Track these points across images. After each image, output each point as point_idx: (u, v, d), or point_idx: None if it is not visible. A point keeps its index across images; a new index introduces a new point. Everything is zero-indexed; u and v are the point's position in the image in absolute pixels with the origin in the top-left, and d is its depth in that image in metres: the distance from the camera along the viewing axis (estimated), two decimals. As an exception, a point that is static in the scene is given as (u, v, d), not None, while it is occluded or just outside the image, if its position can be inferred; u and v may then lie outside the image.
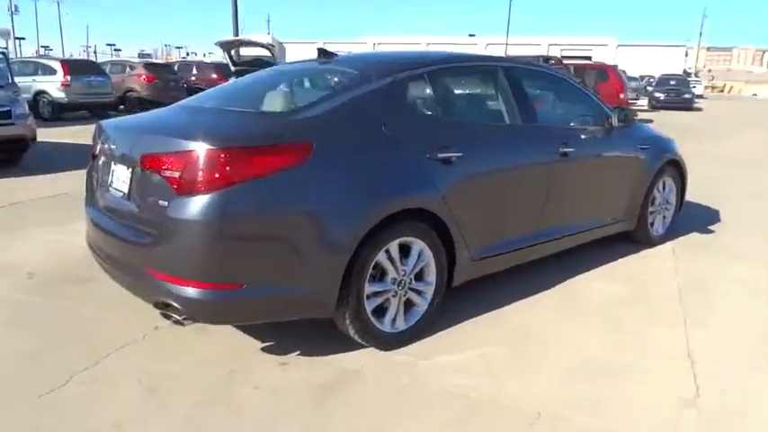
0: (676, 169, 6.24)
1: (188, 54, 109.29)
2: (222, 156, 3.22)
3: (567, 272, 5.24)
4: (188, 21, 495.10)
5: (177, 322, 3.41)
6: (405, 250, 3.81)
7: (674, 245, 6.20)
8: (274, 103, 3.99)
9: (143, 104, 19.43)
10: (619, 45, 66.18)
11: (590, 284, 5.01)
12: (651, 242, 6.10)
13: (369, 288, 3.66)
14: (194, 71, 25.76)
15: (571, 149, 4.85)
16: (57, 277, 4.91)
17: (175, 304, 3.29)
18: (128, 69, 21.89)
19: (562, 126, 5.19)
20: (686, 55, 73.77)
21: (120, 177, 3.69)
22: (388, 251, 3.70)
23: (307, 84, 5.09)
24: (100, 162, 4.01)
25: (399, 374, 3.55)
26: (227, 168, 3.21)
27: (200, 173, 3.22)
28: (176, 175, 3.27)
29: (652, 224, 6.11)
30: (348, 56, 4.87)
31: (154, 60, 36.11)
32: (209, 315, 3.37)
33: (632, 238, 6.04)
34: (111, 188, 3.78)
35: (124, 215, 3.61)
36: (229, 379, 3.47)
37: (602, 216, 5.43)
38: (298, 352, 3.77)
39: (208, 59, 49.46)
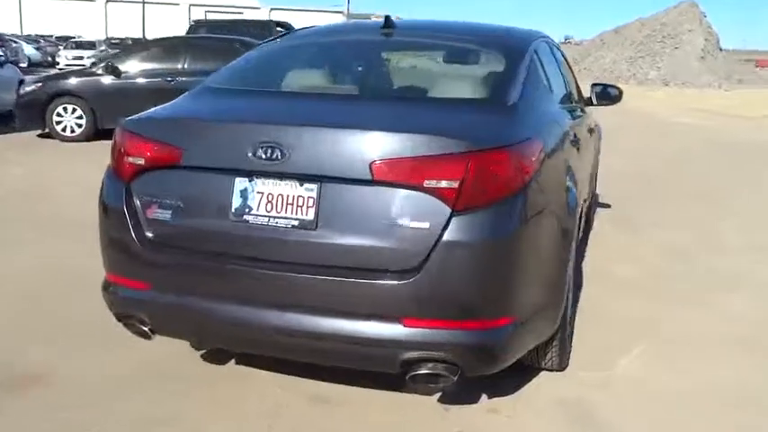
0: None
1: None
2: (509, 156, 2.69)
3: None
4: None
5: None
6: None
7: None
8: (440, 84, 3.41)
9: None
10: (272, 9, 68.01)
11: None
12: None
13: None
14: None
15: None
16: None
17: (448, 357, 2.65)
18: None
19: None
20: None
21: (278, 200, 2.73)
22: None
23: (415, 61, 4.40)
24: (179, 180, 2.88)
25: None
26: (513, 173, 2.69)
27: (491, 181, 2.62)
28: (454, 185, 2.57)
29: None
30: (418, 23, 4.60)
31: None
32: (493, 361, 2.77)
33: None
34: (246, 215, 2.76)
35: (305, 253, 2.69)
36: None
37: None
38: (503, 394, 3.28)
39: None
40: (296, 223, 2.72)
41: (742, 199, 8.25)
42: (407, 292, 2.60)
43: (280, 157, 2.70)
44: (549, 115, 3.51)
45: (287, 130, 2.75)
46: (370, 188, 2.64)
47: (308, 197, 2.70)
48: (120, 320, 3.11)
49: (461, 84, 3.46)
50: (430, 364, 2.68)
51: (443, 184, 2.58)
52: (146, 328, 3.00)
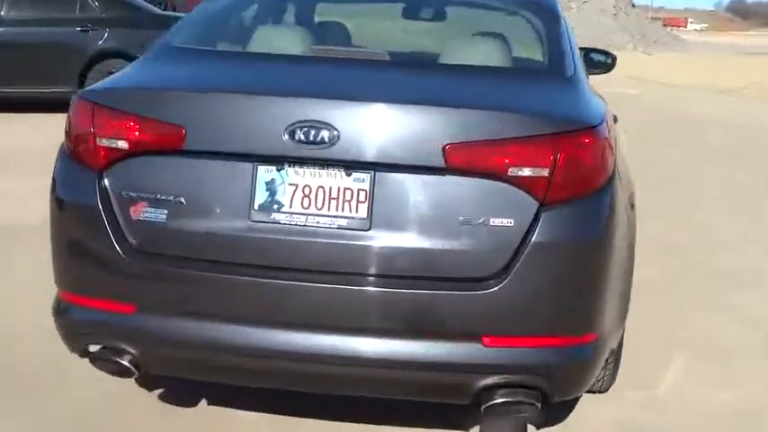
0: None
1: None
2: (596, 140, 2.26)
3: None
4: None
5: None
6: None
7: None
8: (485, 51, 2.80)
9: None
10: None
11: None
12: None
13: None
14: None
15: None
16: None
17: (534, 382, 2.21)
18: None
19: None
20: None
21: (318, 194, 2.17)
22: None
23: (448, 23, 3.73)
24: (178, 169, 2.24)
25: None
26: (600, 160, 2.27)
27: (581, 169, 2.21)
28: (543, 174, 2.13)
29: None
30: None
31: None
32: (582, 384, 2.36)
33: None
34: (274, 213, 2.17)
35: (354, 261, 2.17)
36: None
37: None
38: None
39: None
40: (343, 223, 2.16)
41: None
42: (489, 304, 2.15)
43: (327, 139, 2.11)
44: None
45: (338, 106, 2.17)
46: (440, 177, 2.16)
47: (359, 190, 2.16)
48: (85, 355, 2.37)
49: (504, 50, 2.89)
50: (510, 391, 2.21)
51: (530, 172, 2.15)
52: (126, 363, 2.28)
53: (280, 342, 2.18)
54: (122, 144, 2.23)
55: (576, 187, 2.20)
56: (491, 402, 2.20)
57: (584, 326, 2.28)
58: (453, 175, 2.15)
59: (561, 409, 2.84)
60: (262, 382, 2.43)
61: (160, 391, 2.89)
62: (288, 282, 2.17)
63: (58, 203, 2.37)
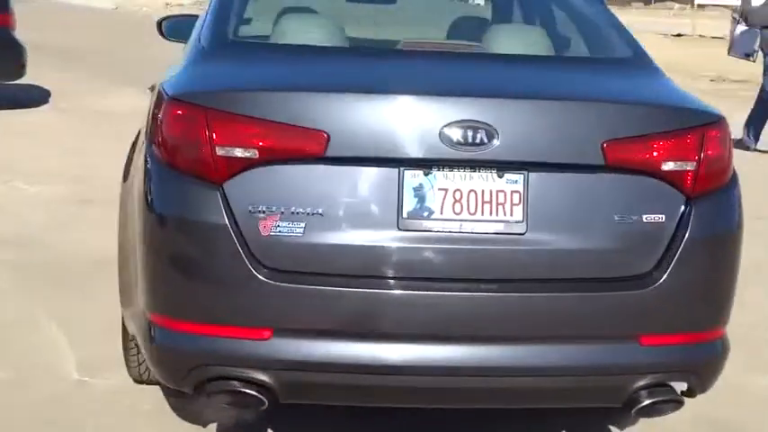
0: None
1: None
2: (725, 131, 2.25)
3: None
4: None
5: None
6: None
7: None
8: (529, 39, 2.75)
9: None
10: None
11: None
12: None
13: None
14: None
15: None
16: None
17: (686, 379, 2.21)
18: None
19: None
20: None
21: (470, 198, 2.05)
22: None
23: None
24: (317, 178, 2.05)
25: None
26: (728, 151, 2.26)
27: (718, 161, 2.20)
28: (690, 167, 2.11)
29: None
30: None
31: None
32: (718, 375, 2.30)
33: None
34: (424, 221, 2.04)
35: (511, 266, 2.09)
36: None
37: None
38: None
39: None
40: (499, 227, 2.06)
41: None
42: (645, 302, 2.11)
43: (482, 140, 2.01)
44: None
45: (497, 105, 2.08)
46: (595, 175, 2.11)
47: (512, 191, 2.06)
48: (198, 390, 2.13)
49: (578, 38, 2.87)
50: (662, 390, 2.18)
51: (679, 165, 2.13)
52: (257, 395, 2.07)
53: (438, 358, 2.05)
54: (250, 153, 2.02)
55: (717, 179, 2.21)
56: (645, 403, 2.15)
57: (724, 318, 2.28)
58: (609, 172, 2.10)
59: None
60: (407, 402, 2.29)
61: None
62: (443, 293, 2.05)
63: (161, 220, 2.13)
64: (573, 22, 3.00)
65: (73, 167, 5.75)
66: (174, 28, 3.99)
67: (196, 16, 4.30)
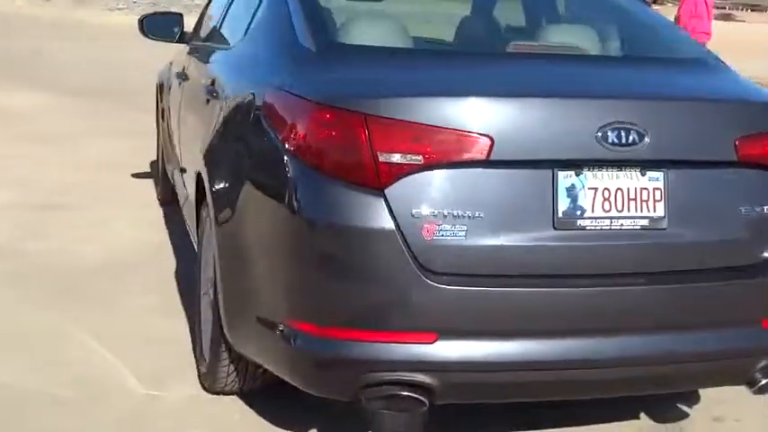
0: None
1: None
2: None
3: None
4: None
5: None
6: None
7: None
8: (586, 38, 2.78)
9: None
10: None
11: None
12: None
13: None
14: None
15: None
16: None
17: None
18: None
19: None
20: None
21: (617, 196, 2.14)
22: None
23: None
24: (478, 182, 2.07)
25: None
26: None
27: None
28: None
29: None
30: None
31: None
32: None
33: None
34: (578, 220, 2.12)
35: (654, 260, 2.20)
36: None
37: None
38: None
39: None
40: (645, 223, 2.18)
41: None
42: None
43: (633, 140, 2.12)
44: None
45: (648, 107, 2.20)
46: (727, 170, 2.28)
47: (654, 188, 2.19)
48: (356, 397, 2.12)
49: (640, 38, 3.01)
50: None
51: None
52: (419, 396, 2.09)
53: (595, 350, 2.14)
54: (413, 159, 2.02)
55: None
56: (764, 382, 2.32)
57: None
58: (739, 167, 2.26)
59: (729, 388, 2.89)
60: (563, 395, 2.36)
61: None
62: (598, 288, 2.15)
63: (317, 229, 2.10)
64: (630, 23, 3.13)
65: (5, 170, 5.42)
66: (155, 26, 3.91)
67: (179, 14, 4.18)
